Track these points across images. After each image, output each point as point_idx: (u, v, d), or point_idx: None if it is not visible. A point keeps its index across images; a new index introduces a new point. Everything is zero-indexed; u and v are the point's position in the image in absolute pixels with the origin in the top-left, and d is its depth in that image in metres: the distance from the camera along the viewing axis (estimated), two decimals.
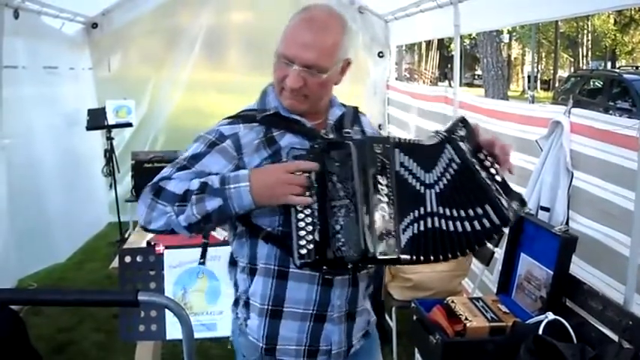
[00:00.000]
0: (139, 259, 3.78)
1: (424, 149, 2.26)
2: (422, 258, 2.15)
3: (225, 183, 2.16)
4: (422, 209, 2.17)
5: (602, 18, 43.74)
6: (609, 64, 45.98)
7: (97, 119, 7.62)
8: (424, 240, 2.15)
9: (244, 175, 2.17)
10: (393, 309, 4.88)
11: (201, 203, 2.15)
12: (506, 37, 43.59)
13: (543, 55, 53.97)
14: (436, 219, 2.18)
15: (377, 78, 9.21)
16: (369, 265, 2.33)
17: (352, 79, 8.89)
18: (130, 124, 8.00)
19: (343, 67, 2.38)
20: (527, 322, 3.34)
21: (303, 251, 2.11)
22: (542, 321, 3.22)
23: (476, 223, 2.19)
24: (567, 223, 4.12)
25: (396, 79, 11.06)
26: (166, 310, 3.68)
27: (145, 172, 7.95)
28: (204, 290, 3.62)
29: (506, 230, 2.31)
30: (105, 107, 7.73)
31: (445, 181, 2.22)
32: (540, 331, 3.15)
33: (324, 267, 2.15)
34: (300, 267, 2.16)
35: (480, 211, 2.20)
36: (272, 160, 2.29)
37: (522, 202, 2.27)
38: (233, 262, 2.49)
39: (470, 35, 31.79)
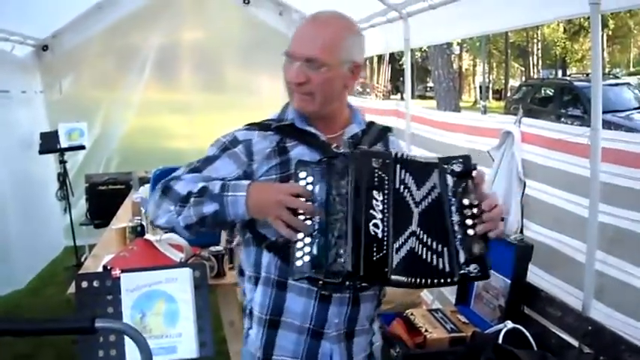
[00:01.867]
0: (95, 283, 3.72)
1: (419, 165, 2.19)
2: (412, 280, 2.07)
3: (224, 189, 2.19)
4: (410, 228, 2.10)
5: (551, 27, 44.22)
6: (560, 72, 46.55)
7: (49, 143, 7.54)
8: (411, 260, 2.07)
9: (243, 185, 2.19)
10: None
11: (199, 206, 2.20)
12: (456, 49, 43.91)
13: (494, 65, 54.47)
14: (414, 239, 2.09)
15: None
16: (363, 284, 2.21)
17: None
18: (82, 147, 7.92)
19: (353, 71, 2.35)
20: (486, 331, 3.36)
21: (299, 263, 2.08)
22: (501, 330, 3.24)
23: (434, 257, 2.08)
24: (522, 231, 4.16)
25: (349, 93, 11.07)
26: None
27: (99, 194, 7.89)
28: (162, 313, 3.59)
29: (450, 285, 2.18)
30: (57, 130, 7.64)
31: (426, 204, 2.13)
32: (500, 340, 3.17)
33: (320, 281, 2.09)
34: (295, 279, 2.14)
35: (439, 247, 2.10)
36: (280, 169, 2.31)
37: (483, 273, 2.09)
38: (241, 272, 2.52)
39: (421, 48, 31.98)
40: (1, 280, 6.44)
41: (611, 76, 25.24)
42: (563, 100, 19.35)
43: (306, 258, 2.08)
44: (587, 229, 3.51)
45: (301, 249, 2.09)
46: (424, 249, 2.09)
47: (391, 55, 41.19)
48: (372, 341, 2.54)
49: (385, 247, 2.04)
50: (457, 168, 2.16)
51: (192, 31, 9.15)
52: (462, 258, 2.08)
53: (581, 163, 3.74)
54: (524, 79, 46.51)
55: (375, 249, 2.03)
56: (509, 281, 3.60)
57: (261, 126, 2.40)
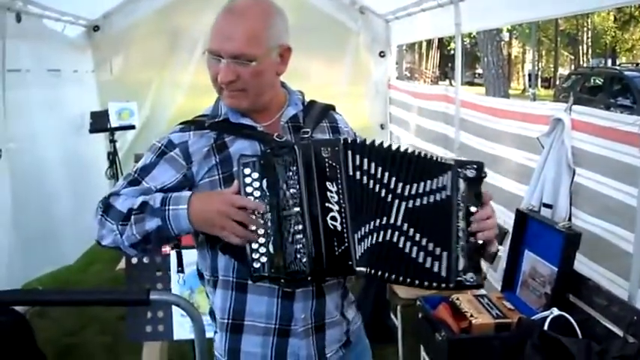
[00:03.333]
0: (145, 260, 3.81)
1: (429, 162, 2.15)
2: (380, 273, 2.06)
3: (165, 203, 2.09)
4: (385, 219, 2.07)
5: (602, 15, 43.71)
6: (609, 62, 46.02)
7: (99, 122, 7.63)
8: (383, 253, 2.06)
9: (184, 198, 2.08)
10: (398, 307, 4.89)
11: (140, 223, 2.10)
12: (506, 36, 43.59)
13: (544, 53, 53.94)
14: (397, 234, 2.07)
15: (378, 78, 9.13)
16: (328, 278, 2.21)
17: (354, 79, 8.92)
18: (132, 127, 7.99)
19: (282, 55, 2.27)
20: (532, 318, 3.35)
21: (257, 265, 2.04)
22: (547, 317, 3.24)
23: (429, 259, 2.07)
24: (570, 219, 4.14)
25: (397, 78, 11.04)
26: (173, 311, 3.71)
27: None
28: None
29: (442, 290, 2.15)
30: (107, 110, 7.73)
31: (424, 202, 2.10)
32: (546, 327, 3.17)
33: (282, 280, 2.05)
34: (255, 281, 2.09)
35: (437, 250, 2.08)
36: (221, 169, 2.21)
37: (478, 283, 2.11)
38: (200, 275, 2.41)
39: (470, 34, 31.75)
40: (51, 257, 6.50)
41: None
42: (613, 90, 19.12)
43: (264, 259, 2.04)
44: (635, 219, 3.49)
45: (257, 250, 2.04)
46: (414, 247, 2.08)
47: (440, 40, 40.99)
48: (348, 330, 2.44)
49: (346, 240, 2.03)
50: (470, 174, 2.14)
51: None
52: (460, 265, 2.08)
53: (631, 152, 3.71)
54: (573, 67, 46.01)
55: (335, 243, 2.02)
56: (556, 269, 3.58)
57: (196, 124, 2.32)
